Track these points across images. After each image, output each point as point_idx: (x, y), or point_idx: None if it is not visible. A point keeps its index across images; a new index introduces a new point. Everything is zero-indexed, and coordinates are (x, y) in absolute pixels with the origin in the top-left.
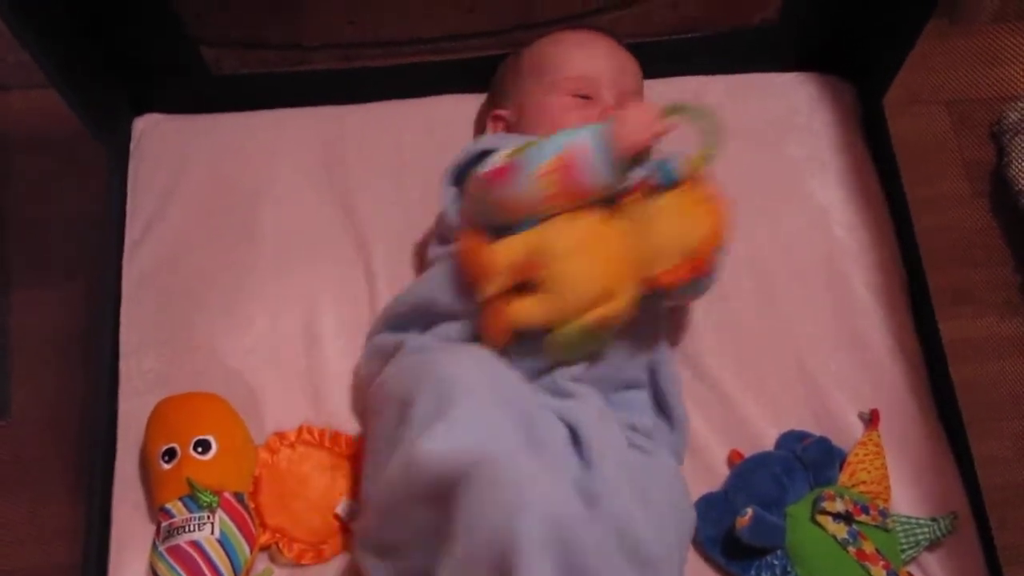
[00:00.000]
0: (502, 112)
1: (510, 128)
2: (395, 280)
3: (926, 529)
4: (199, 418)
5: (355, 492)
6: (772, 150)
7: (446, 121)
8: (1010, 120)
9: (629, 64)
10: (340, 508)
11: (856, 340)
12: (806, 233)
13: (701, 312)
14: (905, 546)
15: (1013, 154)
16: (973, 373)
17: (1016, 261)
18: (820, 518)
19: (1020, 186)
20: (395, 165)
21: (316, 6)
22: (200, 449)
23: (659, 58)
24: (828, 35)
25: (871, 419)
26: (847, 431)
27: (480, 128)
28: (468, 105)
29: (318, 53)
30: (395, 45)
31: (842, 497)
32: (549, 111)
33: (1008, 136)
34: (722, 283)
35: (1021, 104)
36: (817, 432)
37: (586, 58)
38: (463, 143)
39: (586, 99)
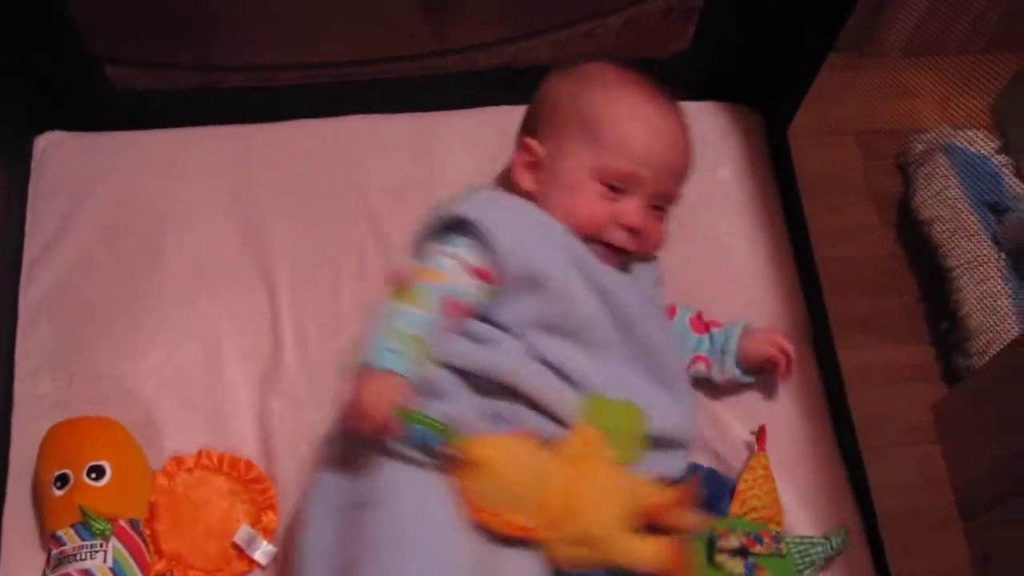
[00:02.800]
0: (535, 145)
1: (537, 166)
2: (299, 305)
3: (820, 548)
4: (93, 443)
5: (254, 518)
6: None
7: (358, 141)
8: (915, 151)
9: (683, 156)
10: (238, 536)
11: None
12: (707, 262)
13: None
14: (801, 566)
15: (917, 184)
16: (874, 400)
17: (920, 290)
18: (719, 558)
19: (923, 216)
20: (304, 186)
21: (232, 27)
22: (94, 475)
23: None
24: (738, 65)
25: (758, 437)
26: (741, 456)
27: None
28: (381, 125)
29: (234, 74)
30: (312, 68)
31: (735, 531)
32: (579, 192)
33: (913, 167)
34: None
35: (926, 136)
36: (708, 461)
37: (645, 143)
38: (376, 163)
39: (619, 192)
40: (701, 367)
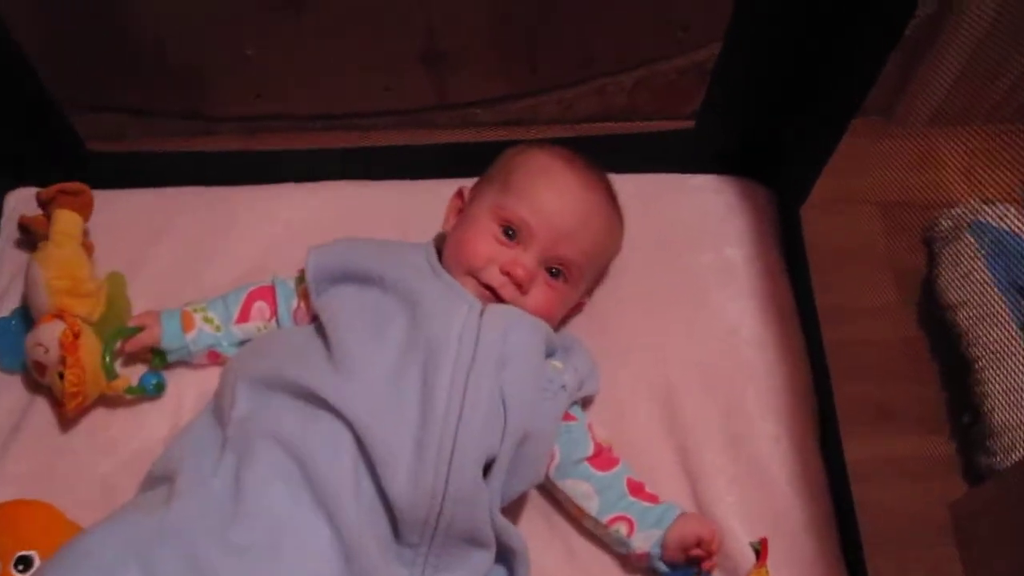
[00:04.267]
0: (465, 192)
1: (460, 209)
2: None
3: None
4: (22, 531)
5: None
6: (681, 258)
7: (344, 207)
8: (942, 228)
9: (588, 229)
10: None
11: (755, 469)
12: (712, 352)
13: (605, 426)
14: None
15: (942, 265)
16: (886, 496)
17: (941, 379)
18: None
19: (947, 300)
20: (280, 253)
21: (221, 76)
22: (21, 567)
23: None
24: (746, 138)
25: (760, 551)
26: (743, 564)
27: None
28: (368, 192)
29: (223, 125)
30: (301, 119)
31: None
32: (473, 226)
33: (939, 245)
34: (620, 401)
35: (954, 212)
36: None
37: (546, 199)
38: (362, 230)
39: (511, 239)
40: (621, 529)
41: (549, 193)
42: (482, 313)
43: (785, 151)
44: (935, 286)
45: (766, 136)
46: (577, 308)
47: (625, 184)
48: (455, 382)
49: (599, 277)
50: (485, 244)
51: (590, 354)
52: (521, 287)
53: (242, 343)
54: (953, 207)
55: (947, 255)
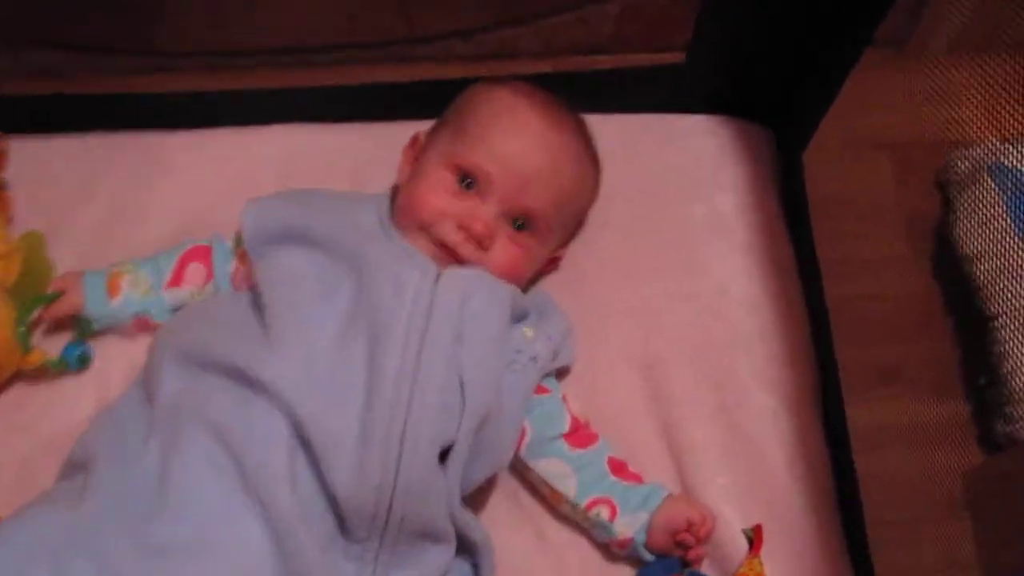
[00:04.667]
0: (420, 137)
1: (415, 158)
2: None
3: None
4: None
5: None
6: (669, 208)
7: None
8: (959, 170)
9: (555, 173)
10: None
11: (749, 447)
12: (700, 314)
13: (582, 400)
14: None
15: (960, 211)
16: (893, 466)
17: (956, 337)
18: None
19: (964, 251)
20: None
21: (171, 7)
22: None
23: (558, 90)
24: (742, 74)
25: (753, 539)
26: (734, 554)
27: None
28: (322, 136)
29: (176, 62)
30: (262, 54)
31: None
32: (425, 177)
33: (955, 189)
34: (598, 371)
35: (971, 152)
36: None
37: (504, 142)
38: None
39: (468, 189)
40: (603, 512)
41: (508, 135)
42: (438, 278)
43: (786, 88)
44: (951, 235)
45: (765, 71)
46: (552, 264)
47: (607, 126)
48: (405, 359)
49: (575, 227)
50: (438, 196)
51: (566, 318)
52: (481, 243)
53: (176, 310)
54: (971, 147)
55: (964, 201)
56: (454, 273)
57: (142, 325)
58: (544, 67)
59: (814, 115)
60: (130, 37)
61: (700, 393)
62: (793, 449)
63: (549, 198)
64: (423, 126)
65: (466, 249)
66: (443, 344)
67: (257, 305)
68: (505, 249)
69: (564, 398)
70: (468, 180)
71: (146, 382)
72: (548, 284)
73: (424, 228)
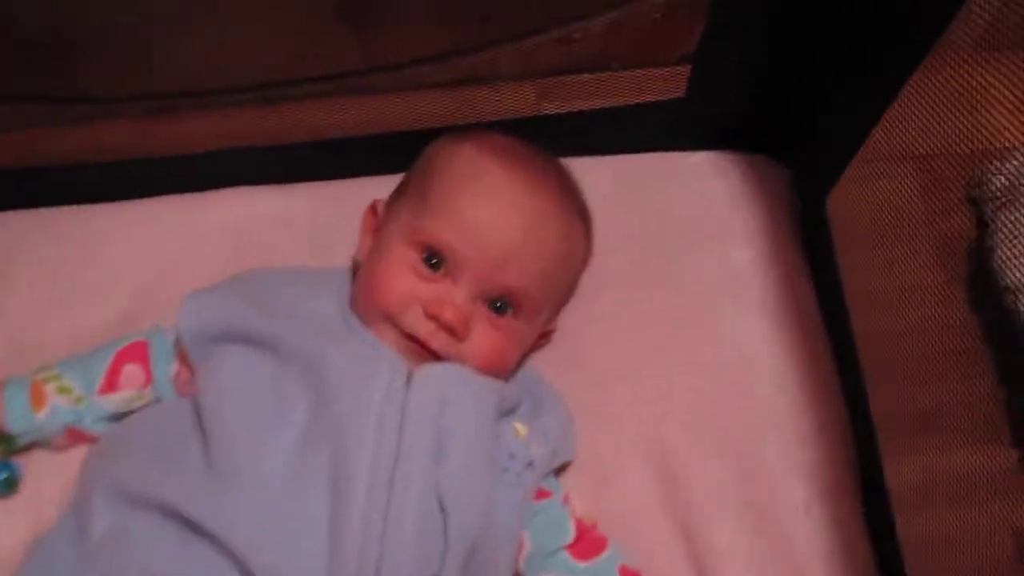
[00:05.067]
0: (378, 207)
1: (376, 229)
2: None
3: None
4: None
5: None
6: (676, 264)
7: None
8: (994, 186)
9: (537, 244)
10: None
11: (781, 549)
12: (720, 392)
13: (587, 498)
14: None
15: (999, 236)
16: (936, 523)
17: (1000, 374)
18: None
19: (1007, 281)
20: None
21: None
22: None
23: (532, 134)
24: (756, 103)
25: None
26: None
27: None
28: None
29: (112, 109)
30: (207, 95)
31: None
32: (385, 255)
33: (991, 207)
34: (603, 463)
35: (1009, 166)
36: None
37: (476, 212)
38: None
39: (435, 269)
40: None
41: (478, 203)
42: (409, 379)
43: (809, 117)
44: (989, 262)
45: (783, 97)
46: (543, 338)
47: (598, 169)
48: (375, 486)
49: (567, 295)
50: (401, 279)
51: (563, 405)
52: (455, 333)
53: (114, 417)
54: (1007, 159)
55: (1003, 223)
56: (428, 372)
57: (75, 436)
58: (527, 92)
59: (843, 150)
60: (53, 82)
61: (723, 486)
62: (831, 549)
63: (532, 273)
64: (389, 182)
65: (439, 341)
66: (419, 464)
67: (201, 422)
68: (485, 336)
69: (566, 499)
70: (434, 259)
71: (77, 511)
72: (539, 361)
73: (389, 318)
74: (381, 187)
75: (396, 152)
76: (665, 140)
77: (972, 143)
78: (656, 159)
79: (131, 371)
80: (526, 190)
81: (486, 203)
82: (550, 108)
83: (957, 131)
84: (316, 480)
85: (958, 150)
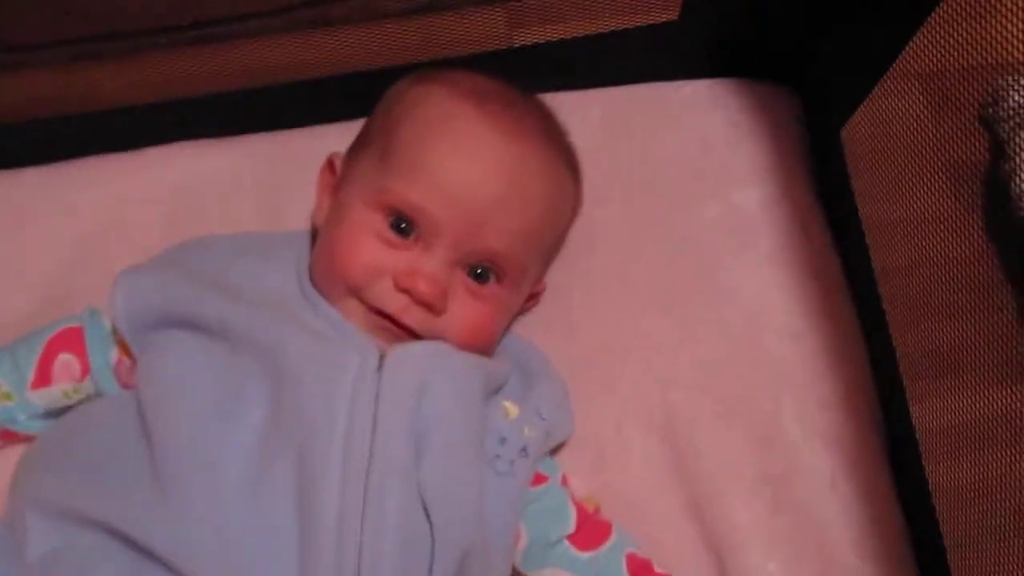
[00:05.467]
0: (336, 162)
1: (335, 188)
2: None
3: None
4: None
5: None
6: (674, 211)
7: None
8: (1010, 104)
9: (530, 210)
10: None
11: (803, 525)
12: (728, 351)
13: (586, 478)
14: None
15: (1018, 159)
16: (965, 473)
17: (1018, 302)
18: None
19: None
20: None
21: None
22: None
23: (505, 69)
24: (757, 26)
25: None
26: None
27: None
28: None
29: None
30: (135, 37)
31: None
32: (345, 221)
33: (1008, 127)
34: (603, 438)
35: None
36: None
37: (451, 171)
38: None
39: (405, 235)
40: None
41: (451, 156)
42: (381, 363)
43: (823, 35)
44: (1009, 188)
45: (788, 14)
46: (530, 300)
47: (585, 107)
48: (348, 495)
49: (554, 252)
50: (366, 248)
51: (556, 375)
52: (431, 307)
53: (51, 414)
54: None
55: (1021, 145)
56: (403, 353)
57: (7, 436)
58: (496, 19)
59: (866, 72)
60: None
61: (737, 457)
62: (859, 523)
63: (516, 233)
64: (347, 131)
65: (413, 316)
66: (398, 464)
67: (145, 423)
68: (465, 307)
69: (564, 480)
70: (404, 223)
71: (11, 526)
72: (525, 326)
73: (354, 292)
74: (338, 137)
75: (354, 96)
76: (656, 69)
77: (985, 55)
78: (646, 91)
79: (65, 361)
80: (505, 138)
81: (460, 156)
82: (523, 37)
83: (968, 42)
84: (280, 491)
85: (970, 64)
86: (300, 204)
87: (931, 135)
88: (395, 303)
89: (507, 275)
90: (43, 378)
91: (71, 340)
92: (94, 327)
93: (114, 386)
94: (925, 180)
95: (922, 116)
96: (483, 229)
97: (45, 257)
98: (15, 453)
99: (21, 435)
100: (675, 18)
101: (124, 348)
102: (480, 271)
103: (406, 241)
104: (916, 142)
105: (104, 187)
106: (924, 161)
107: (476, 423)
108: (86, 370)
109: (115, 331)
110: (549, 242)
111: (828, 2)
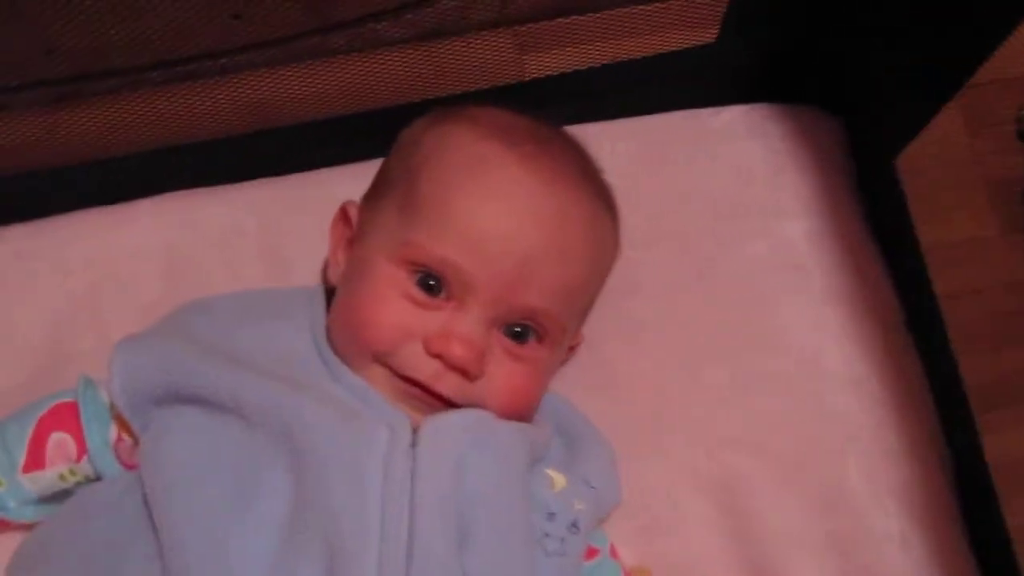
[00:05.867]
0: (351, 212)
1: (351, 241)
2: None
3: None
4: None
5: None
6: (715, 249)
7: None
8: None
9: (572, 262)
10: None
11: None
12: (787, 403)
13: (636, 547)
14: None
15: None
16: None
17: None
18: None
19: None
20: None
21: None
22: None
23: (533, 97)
24: (805, 39)
25: None
26: None
27: None
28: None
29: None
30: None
31: None
32: (367, 279)
33: None
34: (651, 500)
35: None
36: None
37: (484, 220)
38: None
39: (434, 293)
40: None
41: (484, 205)
42: (415, 440)
43: (878, 56)
44: None
45: (836, 34)
46: (567, 353)
47: (615, 137)
48: None
49: (593, 302)
50: (392, 309)
51: (601, 437)
52: (468, 372)
53: (44, 500)
54: None
55: None
56: (438, 425)
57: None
58: (504, 40)
59: (930, 99)
60: None
61: (801, 520)
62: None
63: (557, 288)
64: (358, 173)
65: (447, 384)
66: (439, 554)
67: (150, 513)
68: (505, 372)
69: (612, 551)
70: (432, 280)
71: None
72: (562, 383)
73: (379, 358)
74: (348, 181)
75: (361, 137)
76: (688, 95)
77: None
78: (680, 120)
79: (59, 441)
80: (542, 182)
81: (494, 204)
82: (536, 62)
83: (1006, 51)
84: None
85: (1007, 76)
86: (308, 255)
87: (967, 152)
88: (427, 369)
89: (548, 333)
90: (35, 461)
91: (65, 417)
92: (89, 402)
93: (115, 467)
94: (964, 200)
95: (958, 131)
96: (522, 285)
97: (33, 320)
98: (8, 542)
99: (13, 523)
100: (712, 40)
101: (123, 425)
102: (519, 330)
103: (436, 300)
104: (953, 159)
105: (94, 242)
106: (962, 179)
107: (524, 500)
108: (83, 450)
109: (113, 406)
110: (591, 294)
111: (887, 21)
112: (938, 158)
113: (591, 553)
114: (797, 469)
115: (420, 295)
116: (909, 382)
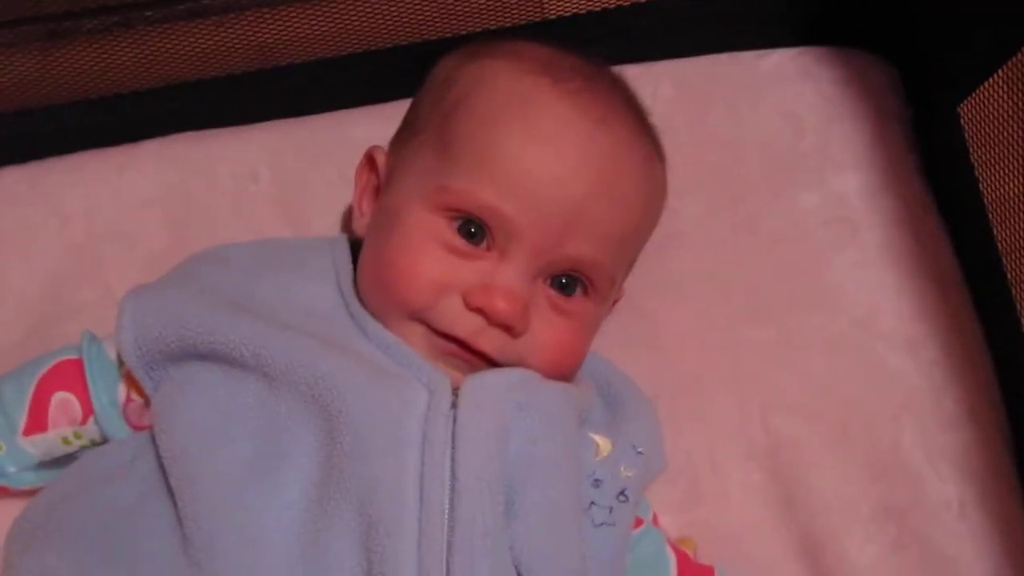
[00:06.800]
0: (378, 158)
1: (378, 188)
2: None
3: None
4: None
5: None
6: (762, 201)
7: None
8: None
9: (622, 208)
10: None
11: (930, 561)
12: (838, 364)
13: (679, 515)
14: None
15: None
16: None
17: None
18: None
19: None
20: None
21: None
22: None
23: (583, 36)
24: None
25: None
26: None
27: None
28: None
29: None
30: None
31: None
32: (400, 228)
33: None
34: (701, 473)
35: None
36: None
37: (530, 164)
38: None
39: (475, 241)
40: None
41: (529, 147)
42: (455, 401)
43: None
44: None
45: None
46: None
47: (656, 80)
48: (427, 565)
49: (638, 254)
50: (429, 259)
51: (645, 398)
52: (511, 328)
53: (47, 464)
54: None
55: None
56: (480, 385)
57: None
58: None
59: (1002, 46)
60: None
61: (852, 487)
62: (991, 553)
63: (606, 237)
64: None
65: (488, 340)
66: (485, 525)
67: (166, 477)
68: (551, 326)
69: (655, 520)
70: (474, 227)
71: None
72: (601, 341)
73: (416, 313)
74: (368, 123)
75: (380, 76)
76: (733, 36)
77: None
78: (725, 62)
79: (62, 400)
80: (593, 122)
81: (541, 146)
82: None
83: None
84: (339, 568)
85: None
86: (326, 203)
87: (1008, 109)
88: (467, 325)
89: (595, 286)
90: (37, 423)
91: (68, 375)
92: (95, 359)
93: (123, 429)
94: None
95: (1002, 101)
96: (569, 233)
97: (30, 273)
98: (8, 508)
99: (12, 490)
100: None
101: (133, 384)
102: (565, 281)
103: (477, 249)
104: (1006, 131)
105: (95, 187)
106: (1004, 136)
107: (574, 467)
108: (88, 411)
109: (121, 363)
110: (640, 245)
111: None
112: (1003, 104)
113: (635, 523)
114: (848, 433)
115: (461, 243)
116: (967, 343)
